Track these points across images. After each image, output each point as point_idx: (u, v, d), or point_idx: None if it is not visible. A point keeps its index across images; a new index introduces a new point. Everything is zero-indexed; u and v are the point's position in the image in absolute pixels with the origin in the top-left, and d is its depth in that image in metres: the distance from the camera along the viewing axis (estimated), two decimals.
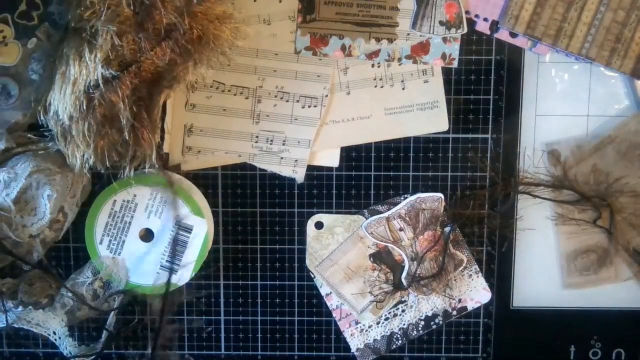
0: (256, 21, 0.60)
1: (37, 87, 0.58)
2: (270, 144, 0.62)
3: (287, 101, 0.61)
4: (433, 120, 0.62)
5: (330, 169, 0.63)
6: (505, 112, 0.62)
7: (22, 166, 0.56)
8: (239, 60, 0.60)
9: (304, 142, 0.62)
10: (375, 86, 0.61)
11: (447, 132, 0.62)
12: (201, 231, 0.61)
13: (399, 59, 0.60)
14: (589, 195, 0.62)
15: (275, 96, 0.61)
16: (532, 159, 0.63)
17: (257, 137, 0.62)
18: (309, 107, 0.61)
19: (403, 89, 0.61)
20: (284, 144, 0.62)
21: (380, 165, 0.63)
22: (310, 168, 0.63)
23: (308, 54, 0.60)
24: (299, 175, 0.62)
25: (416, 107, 0.61)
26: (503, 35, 0.60)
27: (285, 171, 0.62)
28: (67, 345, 0.63)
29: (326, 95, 0.61)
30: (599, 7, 0.59)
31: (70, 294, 0.61)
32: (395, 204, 0.63)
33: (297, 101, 0.61)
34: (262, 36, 0.60)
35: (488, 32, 0.60)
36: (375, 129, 0.62)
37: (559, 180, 0.63)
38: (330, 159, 0.62)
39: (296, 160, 0.62)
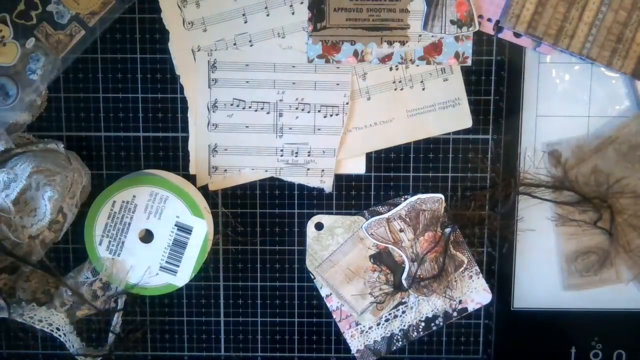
0: (270, 35, 0.60)
1: (36, 88, 0.58)
2: (296, 156, 0.61)
3: (308, 112, 0.61)
4: (456, 118, 0.62)
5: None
6: (506, 112, 0.62)
7: (21, 167, 0.56)
8: (258, 75, 0.60)
9: (329, 151, 0.62)
10: (395, 89, 0.61)
11: (448, 133, 0.62)
12: (201, 232, 0.61)
13: (412, 61, 0.60)
14: (590, 196, 0.62)
15: (297, 108, 0.61)
16: (532, 160, 0.63)
17: (282, 150, 0.62)
18: (331, 116, 0.61)
19: (423, 89, 0.61)
20: (309, 155, 0.62)
21: (381, 166, 0.63)
22: None
23: (321, 61, 0.60)
24: (327, 185, 0.62)
25: (438, 107, 0.61)
26: (507, 35, 0.60)
27: (313, 182, 0.62)
28: (73, 343, 0.62)
29: (347, 103, 0.61)
30: (600, 7, 0.59)
31: (69, 293, 0.60)
32: (396, 205, 0.62)
33: (319, 111, 0.61)
34: (278, 50, 0.60)
35: (492, 33, 0.60)
36: (398, 132, 0.62)
37: (560, 181, 0.62)
38: (356, 165, 0.62)
39: (323, 170, 0.62)
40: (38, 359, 0.66)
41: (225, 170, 0.62)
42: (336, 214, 0.63)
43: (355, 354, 0.65)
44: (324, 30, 0.60)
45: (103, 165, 0.62)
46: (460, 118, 0.62)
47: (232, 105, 0.61)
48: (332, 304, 0.64)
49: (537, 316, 0.65)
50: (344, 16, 0.59)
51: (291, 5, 0.59)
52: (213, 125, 0.61)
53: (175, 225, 0.61)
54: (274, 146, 0.62)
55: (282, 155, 0.62)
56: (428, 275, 0.63)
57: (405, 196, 0.63)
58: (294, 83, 0.61)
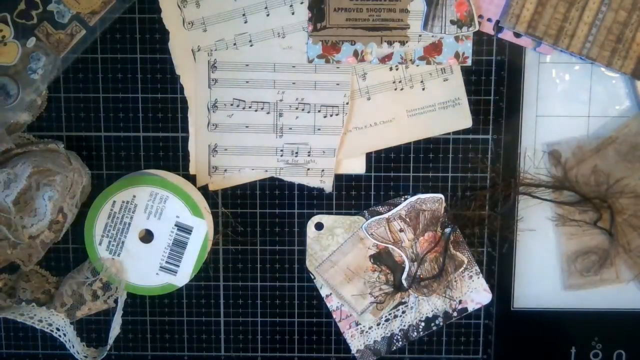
0: (270, 35, 0.60)
1: (37, 88, 0.58)
2: (296, 156, 0.61)
3: (308, 112, 0.61)
4: (456, 118, 0.62)
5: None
6: (506, 112, 0.62)
7: (22, 167, 0.56)
8: (257, 75, 0.60)
9: (329, 151, 0.62)
10: (395, 89, 0.61)
11: (448, 133, 0.62)
12: (201, 232, 0.61)
13: (412, 61, 0.60)
14: (590, 196, 0.62)
15: (297, 108, 0.61)
16: (532, 160, 0.63)
17: (281, 150, 0.62)
18: (331, 116, 0.61)
19: (423, 89, 0.61)
20: (309, 155, 0.62)
21: (381, 166, 0.63)
22: None
23: (321, 62, 0.60)
24: (327, 185, 0.62)
25: (438, 106, 0.61)
26: (507, 35, 0.60)
27: (312, 182, 0.62)
28: (73, 343, 0.62)
29: (347, 103, 0.61)
30: (600, 7, 0.59)
31: (69, 293, 0.61)
32: (396, 205, 0.62)
33: (319, 111, 0.61)
34: (278, 50, 0.60)
35: (492, 33, 0.60)
36: (398, 132, 0.62)
37: (560, 181, 0.62)
38: (356, 165, 0.62)
39: (323, 170, 0.62)
40: (38, 359, 0.66)
41: (225, 170, 0.62)
42: (336, 214, 0.63)
43: (355, 354, 0.65)
44: (324, 30, 0.60)
45: (103, 165, 0.62)
46: (460, 118, 0.62)
47: (232, 105, 0.61)
48: (332, 304, 0.64)
49: (537, 316, 0.65)
50: (344, 16, 0.59)
51: (291, 5, 0.59)
52: (213, 125, 0.61)
53: (175, 225, 0.61)
54: (274, 146, 0.62)
55: (282, 155, 0.62)
56: (428, 275, 0.63)
57: (405, 196, 0.63)
58: (294, 83, 0.61)
